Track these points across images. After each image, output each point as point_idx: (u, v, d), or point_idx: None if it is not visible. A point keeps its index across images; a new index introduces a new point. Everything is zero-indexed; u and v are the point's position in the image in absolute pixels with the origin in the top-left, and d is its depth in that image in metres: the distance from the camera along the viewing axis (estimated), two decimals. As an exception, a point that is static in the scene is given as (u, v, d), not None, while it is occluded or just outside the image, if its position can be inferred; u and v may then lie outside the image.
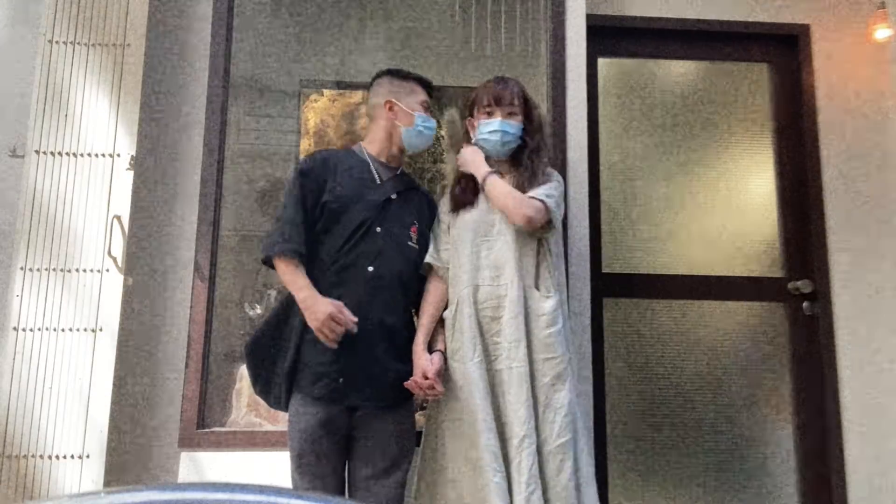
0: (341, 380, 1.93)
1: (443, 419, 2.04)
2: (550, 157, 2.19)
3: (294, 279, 1.94)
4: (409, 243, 2.09)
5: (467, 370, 1.96)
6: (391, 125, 2.16)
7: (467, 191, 2.13)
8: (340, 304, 1.90)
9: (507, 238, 2.04)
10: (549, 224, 2.03)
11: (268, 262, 2.02)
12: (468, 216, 2.10)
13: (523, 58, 3.08)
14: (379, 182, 2.11)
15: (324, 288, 1.95)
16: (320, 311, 1.87)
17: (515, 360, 1.95)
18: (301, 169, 2.07)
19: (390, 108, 2.16)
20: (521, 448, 1.88)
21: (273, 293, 2.63)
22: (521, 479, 1.85)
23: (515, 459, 1.88)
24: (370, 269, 1.99)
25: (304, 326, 1.93)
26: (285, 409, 2.00)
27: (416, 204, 2.17)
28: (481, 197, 2.10)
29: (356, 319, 1.89)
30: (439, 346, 2.07)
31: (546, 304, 2.01)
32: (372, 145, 2.18)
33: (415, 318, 2.15)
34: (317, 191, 2.03)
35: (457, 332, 2.03)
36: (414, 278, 2.11)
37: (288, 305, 2.01)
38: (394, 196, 2.10)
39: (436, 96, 2.39)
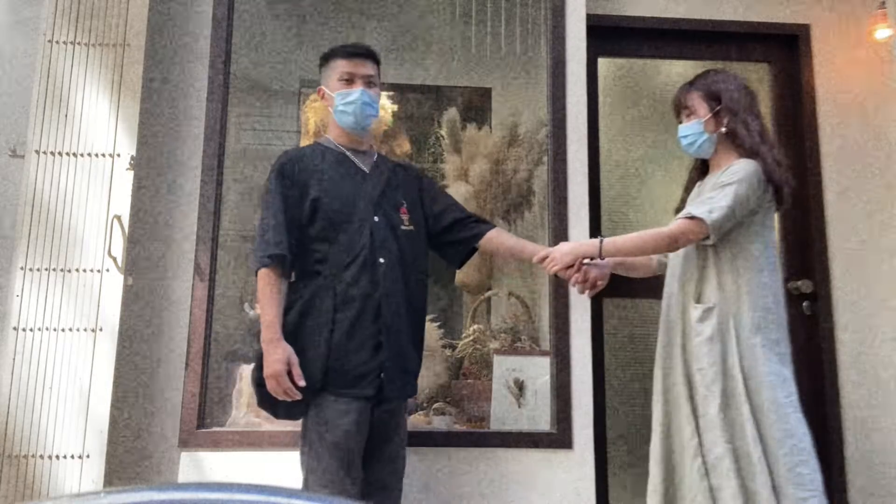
0: (382, 375, 1.93)
1: None
2: (748, 140, 2.00)
3: (268, 302, 1.89)
4: (403, 227, 2.06)
5: None
6: (328, 112, 2.13)
7: None
8: (296, 360, 1.86)
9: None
10: (707, 237, 1.95)
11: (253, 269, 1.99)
12: None
13: (523, 58, 3.08)
14: (366, 171, 2.08)
15: (342, 288, 1.93)
16: (276, 360, 1.84)
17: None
18: (279, 170, 2.00)
19: (322, 97, 2.12)
20: None
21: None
22: None
23: None
24: (381, 260, 1.98)
25: (331, 332, 1.90)
26: (299, 417, 1.95)
27: (402, 184, 2.14)
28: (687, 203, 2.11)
29: (302, 384, 1.85)
30: None
31: (694, 315, 2.00)
32: (332, 134, 2.13)
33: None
34: (299, 191, 1.98)
35: None
36: (419, 260, 2.08)
37: (303, 313, 1.94)
38: (384, 186, 2.08)
39: (436, 96, 2.38)
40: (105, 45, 2.38)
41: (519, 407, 2.58)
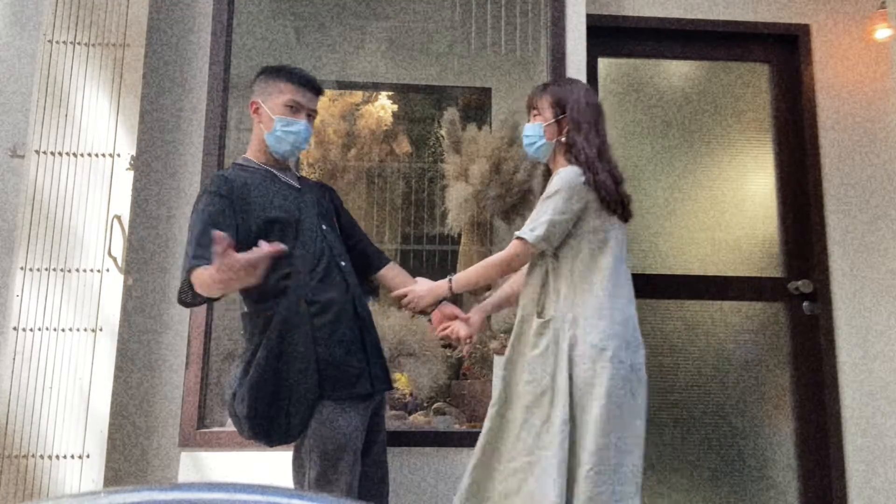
0: (370, 371, 1.94)
1: None
2: (577, 152, 2.01)
3: (209, 277, 1.69)
4: (338, 233, 2.10)
5: None
6: (259, 130, 2.03)
7: None
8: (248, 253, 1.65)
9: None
10: (542, 250, 1.98)
11: (184, 299, 1.84)
12: None
13: (523, 58, 3.08)
14: (298, 186, 2.05)
15: (313, 295, 1.90)
16: (228, 264, 1.61)
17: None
18: (214, 190, 1.89)
19: (255, 111, 2.03)
20: None
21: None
22: None
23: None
24: (342, 263, 1.99)
25: (314, 339, 1.87)
26: (296, 439, 1.91)
27: (325, 199, 2.15)
28: None
29: (281, 248, 1.68)
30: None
31: (531, 328, 2.01)
32: (258, 154, 2.04)
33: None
34: (239, 214, 1.88)
35: None
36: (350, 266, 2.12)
37: (282, 331, 1.86)
38: (317, 197, 2.09)
39: (436, 96, 2.38)
40: (105, 45, 2.38)
41: (519, 407, 2.58)
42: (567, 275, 1.97)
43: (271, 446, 1.93)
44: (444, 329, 2.13)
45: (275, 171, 2.03)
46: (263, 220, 1.90)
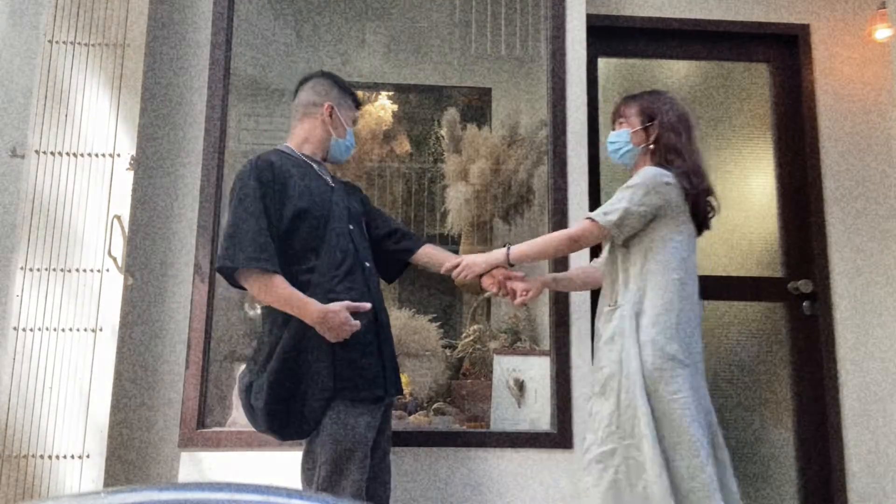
0: (385, 374, 1.97)
1: None
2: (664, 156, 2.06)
3: (292, 293, 1.85)
4: (364, 234, 2.14)
5: None
6: (325, 131, 2.11)
7: None
8: (338, 304, 1.86)
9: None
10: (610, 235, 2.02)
11: (230, 276, 1.91)
12: None
13: (523, 58, 3.08)
14: (332, 183, 2.10)
15: (335, 296, 1.91)
16: (339, 313, 1.84)
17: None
18: (258, 176, 1.93)
19: (330, 114, 2.11)
20: None
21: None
22: None
23: None
24: (367, 264, 2.03)
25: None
26: (307, 435, 1.92)
27: (355, 198, 2.20)
28: None
29: (368, 307, 1.90)
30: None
31: (603, 317, 2.06)
32: (306, 146, 2.11)
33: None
34: (278, 200, 1.93)
35: None
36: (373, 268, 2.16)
37: (301, 327, 1.88)
38: (348, 197, 2.13)
39: (436, 96, 2.40)
40: (105, 45, 2.38)
41: (519, 407, 2.58)
42: (640, 262, 2.00)
43: (283, 440, 1.96)
44: (500, 285, 2.18)
45: (314, 165, 2.09)
46: (297, 210, 1.94)
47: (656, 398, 1.88)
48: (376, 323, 1.99)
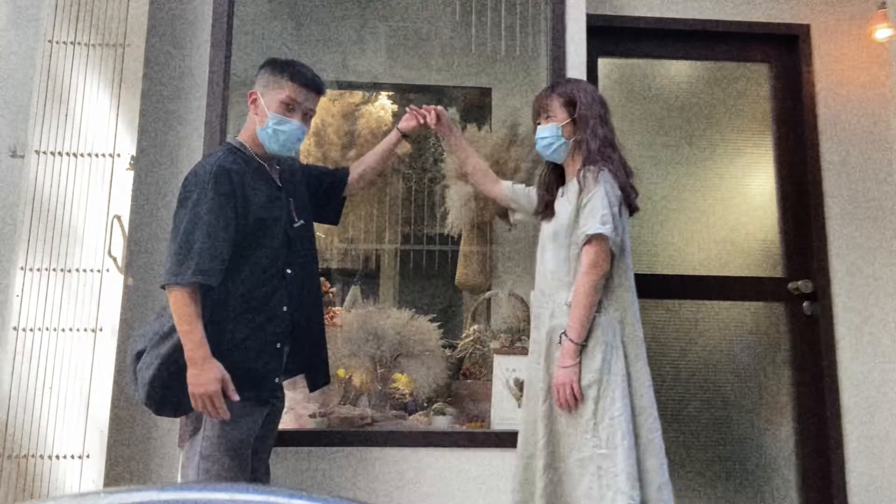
0: (276, 379, 1.98)
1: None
2: (597, 150, 2.09)
3: (195, 320, 1.78)
4: (295, 225, 2.07)
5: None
6: (254, 121, 2.03)
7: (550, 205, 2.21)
8: (228, 377, 1.80)
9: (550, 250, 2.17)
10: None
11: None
12: (546, 224, 2.20)
13: (523, 58, 3.07)
14: (280, 185, 2.06)
15: (249, 303, 1.92)
16: (212, 379, 1.77)
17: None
18: (215, 179, 1.86)
19: (252, 102, 2.02)
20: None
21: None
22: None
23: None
24: (288, 271, 2.00)
25: (231, 335, 1.88)
26: (182, 414, 1.93)
27: (296, 181, 2.16)
28: (556, 208, 2.17)
29: (237, 398, 1.80)
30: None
31: (558, 311, 2.09)
32: (247, 141, 2.03)
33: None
34: (236, 207, 1.89)
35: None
36: (312, 257, 2.16)
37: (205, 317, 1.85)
38: (293, 195, 2.10)
39: (436, 96, 2.39)
40: (105, 45, 2.38)
41: (519, 407, 2.58)
42: (612, 270, 2.06)
43: (157, 414, 1.95)
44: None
45: (265, 166, 2.04)
46: (253, 220, 1.92)
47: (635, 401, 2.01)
48: (291, 326, 1.99)
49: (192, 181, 1.90)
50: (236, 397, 1.80)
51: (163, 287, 1.85)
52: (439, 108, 2.39)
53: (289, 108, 1.99)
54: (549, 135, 2.15)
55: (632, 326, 2.04)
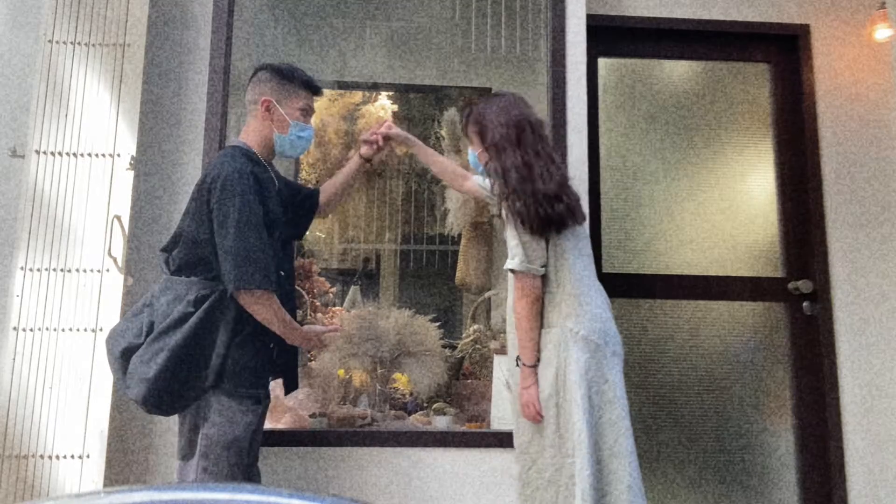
0: (270, 378, 2.03)
1: None
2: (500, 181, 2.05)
3: (284, 316, 1.95)
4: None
5: None
6: (267, 127, 2.05)
7: None
8: (316, 329, 2.11)
9: None
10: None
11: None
12: None
13: (523, 58, 3.07)
14: (278, 187, 2.08)
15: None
16: (318, 336, 2.09)
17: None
18: (249, 181, 1.91)
19: (267, 109, 2.04)
20: None
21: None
22: None
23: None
24: (281, 272, 2.03)
25: (233, 333, 1.90)
26: (173, 414, 1.95)
27: (287, 186, 2.20)
28: None
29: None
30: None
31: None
32: (256, 146, 2.06)
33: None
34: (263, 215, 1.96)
35: None
36: (290, 258, 2.23)
37: (208, 318, 1.89)
38: (288, 191, 2.16)
39: (436, 96, 2.39)
40: (105, 45, 2.38)
41: (519, 407, 2.58)
42: (554, 273, 2.04)
43: (147, 412, 1.94)
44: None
45: (272, 171, 2.09)
46: (269, 223, 1.96)
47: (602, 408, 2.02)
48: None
49: (229, 184, 1.89)
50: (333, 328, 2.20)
51: (238, 290, 1.86)
52: (387, 123, 2.41)
53: (306, 114, 2.10)
54: (473, 161, 2.21)
55: (588, 330, 1.98)
